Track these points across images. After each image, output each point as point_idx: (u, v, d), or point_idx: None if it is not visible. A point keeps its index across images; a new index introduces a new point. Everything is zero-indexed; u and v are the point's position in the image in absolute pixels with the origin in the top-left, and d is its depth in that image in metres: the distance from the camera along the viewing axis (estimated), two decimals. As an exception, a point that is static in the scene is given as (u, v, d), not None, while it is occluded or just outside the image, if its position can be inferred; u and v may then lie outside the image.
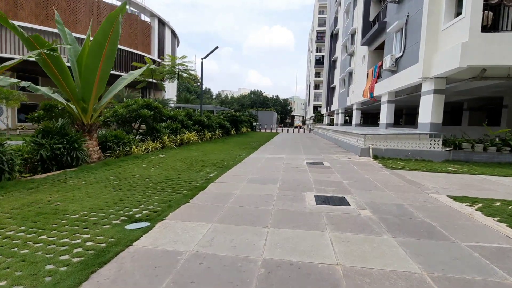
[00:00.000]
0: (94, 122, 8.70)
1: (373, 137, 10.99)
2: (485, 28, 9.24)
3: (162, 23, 47.26)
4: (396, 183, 6.18)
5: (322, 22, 79.26)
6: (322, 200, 4.69)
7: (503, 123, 16.96)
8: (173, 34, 50.61)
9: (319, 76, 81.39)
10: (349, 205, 4.41)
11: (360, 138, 11.77)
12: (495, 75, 10.42)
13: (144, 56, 35.75)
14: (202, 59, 17.51)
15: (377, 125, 37.29)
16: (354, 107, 24.69)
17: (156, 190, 5.12)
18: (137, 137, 12.02)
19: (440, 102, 11.02)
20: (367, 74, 20.85)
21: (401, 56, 14.23)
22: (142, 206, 4.22)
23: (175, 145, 12.81)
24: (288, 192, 5.20)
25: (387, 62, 15.13)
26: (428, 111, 11.16)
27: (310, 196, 4.93)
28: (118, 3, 37.19)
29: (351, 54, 26.60)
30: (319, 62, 79.57)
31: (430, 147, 10.54)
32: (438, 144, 10.50)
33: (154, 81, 28.39)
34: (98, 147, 8.68)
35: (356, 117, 24.55)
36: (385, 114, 16.32)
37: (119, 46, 31.33)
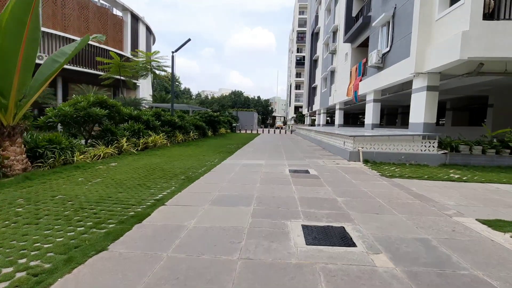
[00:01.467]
0: (19, 123, 6.77)
1: (363, 139, 9.77)
2: (485, 17, 8.26)
3: (135, 18, 44.54)
4: (402, 199, 4.84)
5: (302, 23, 79.21)
6: (314, 235, 3.22)
7: (488, 123, 16.51)
8: (148, 30, 47.90)
9: (300, 77, 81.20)
10: (355, 245, 2.96)
11: (348, 140, 10.52)
12: (492, 70, 9.51)
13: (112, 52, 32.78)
14: (172, 52, 15.70)
15: (359, 125, 36.84)
16: (337, 106, 23.74)
17: (69, 224, 3.42)
18: (89, 141, 10.06)
19: (434, 100, 10.00)
20: (351, 72, 19.91)
21: (388, 51, 13.22)
22: (23, 261, 2.53)
23: (137, 149, 10.95)
24: (265, 220, 3.68)
25: (373, 58, 14.10)
26: (421, 110, 10.12)
27: (297, 227, 3.44)
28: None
29: (333, 52, 25.70)
30: (299, 62, 79.40)
31: (425, 150, 9.46)
32: (434, 147, 9.44)
33: (122, 78, 25.97)
34: (24, 155, 6.75)
35: (339, 117, 23.60)
36: (371, 114, 15.31)
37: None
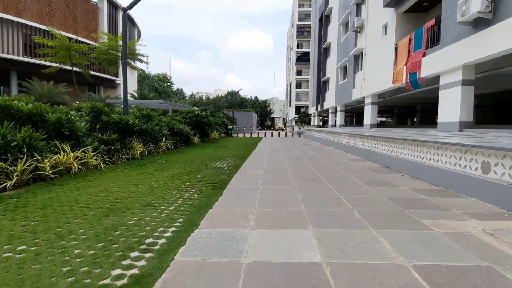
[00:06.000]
0: None
1: None
2: None
3: (114, 6, 38.30)
4: None
5: (302, 16, 73.65)
6: None
7: None
8: (131, 21, 41.61)
9: (301, 74, 75.33)
10: None
11: None
12: None
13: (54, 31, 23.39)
14: (124, 10, 9.49)
15: (380, 126, 28.88)
16: (367, 100, 17.55)
17: None
18: None
19: None
20: (396, 48, 13.80)
21: (511, -13, 7.08)
22: None
23: (6, 186, 4.67)
24: None
25: (472, 6, 7.93)
26: None
27: None
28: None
29: (358, 30, 19.56)
30: (300, 59, 73.65)
31: None
32: None
33: (77, 69, 19.53)
34: None
35: (371, 115, 17.38)
36: (458, 106, 9.10)
37: (45, 28, 21.94)
